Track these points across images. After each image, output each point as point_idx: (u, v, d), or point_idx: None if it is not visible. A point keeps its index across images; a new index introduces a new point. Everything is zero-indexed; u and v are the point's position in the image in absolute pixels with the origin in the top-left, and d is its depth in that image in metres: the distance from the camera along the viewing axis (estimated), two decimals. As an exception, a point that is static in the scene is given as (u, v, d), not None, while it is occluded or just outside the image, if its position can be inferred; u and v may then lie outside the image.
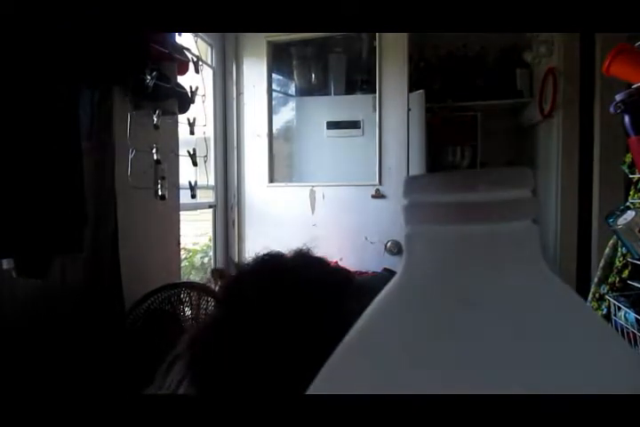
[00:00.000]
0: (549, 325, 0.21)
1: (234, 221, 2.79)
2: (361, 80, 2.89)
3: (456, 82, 3.21)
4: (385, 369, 0.21)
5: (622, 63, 1.33)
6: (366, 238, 2.61)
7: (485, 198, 0.21)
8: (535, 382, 0.19)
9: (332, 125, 2.78)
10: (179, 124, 2.04)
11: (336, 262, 2.56)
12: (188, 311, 1.67)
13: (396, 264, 2.45)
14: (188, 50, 2.06)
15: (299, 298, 0.50)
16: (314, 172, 2.81)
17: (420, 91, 2.87)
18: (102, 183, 1.52)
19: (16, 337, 1.24)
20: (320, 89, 2.95)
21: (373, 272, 2.49)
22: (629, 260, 1.47)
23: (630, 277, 1.50)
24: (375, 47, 2.61)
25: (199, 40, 2.33)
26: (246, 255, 2.75)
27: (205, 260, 3.03)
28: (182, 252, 2.33)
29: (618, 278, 1.54)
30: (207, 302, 1.67)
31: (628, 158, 1.54)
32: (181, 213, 2.09)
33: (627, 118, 1.34)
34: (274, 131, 2.83)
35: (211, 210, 2.70)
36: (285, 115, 3.04)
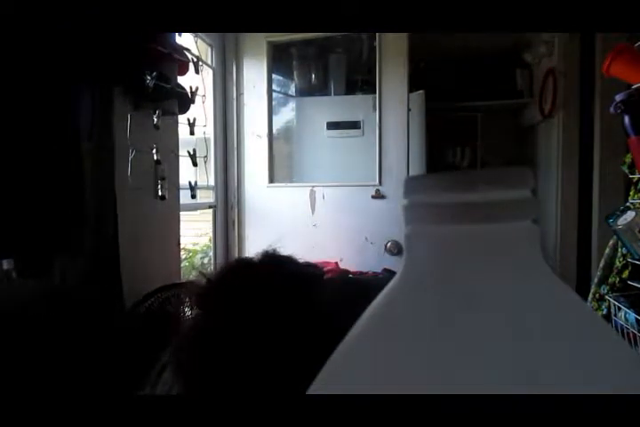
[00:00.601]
0: (549, 325, 0.21)
1: (234, 222, 2.79)
2: (361, 80, 2.89)
3: (456, 82, 3.21)
4: (385, 369, 0.21)
5: (622, 63, 1.33)
6: (366, 239, 2.61)
7: (485, 198, 0.21)
8: (535, 382, 0.19)
9: (332, 126, 2.78)
10: (179, 125, 2.04)
11: (336, 263, 2.56)
12: (188, 311, 1.67)
13: (397, 264, 2.45)
14: (188, 50, 2.06)
15: (270, 297, 0.50)
16: (314, 172, 2.81)
17: (420, 91, 2.87)
18: (102, 183, 1.51)
19: (16, 337, 1.24)
20: (320, 89, 2.95)
21: (373, 272, 2.49)
22: (629, 260, 1.47)
23: (630, 277, 1.50)
24: (375, 47, 2.61)
25: (199, 40, 2.33)
26: (246, 255, 2.75)
27: (205, 260, 3.03)
28: (182, 252, 2.33)
29: (618, 279, 1.54)
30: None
31: (628, 158, 1.55)
32: (181, 213, 2.09)
33: (627, 119, 1.34)
34: (274, 131, 2.83)
35: (211, 210, 2.70)
36: (285, 115, 3.04)
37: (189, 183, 2.07)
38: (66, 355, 1.31)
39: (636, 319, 1.31)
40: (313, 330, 0.47)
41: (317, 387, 0.23)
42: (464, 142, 3.37)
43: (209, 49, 2.65)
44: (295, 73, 2.97)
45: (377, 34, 2.57)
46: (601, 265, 1.62)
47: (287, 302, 0.50)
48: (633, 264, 1.47)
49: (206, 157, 2.22)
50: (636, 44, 1.37)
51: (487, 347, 0.20)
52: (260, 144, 2.76)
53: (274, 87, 2.84)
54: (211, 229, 2.75)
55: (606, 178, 2.16)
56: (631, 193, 1.55)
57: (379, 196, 2.58)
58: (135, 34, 1.51)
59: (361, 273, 2.48)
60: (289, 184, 2.78)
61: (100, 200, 1.51)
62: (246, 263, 0.58)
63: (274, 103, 2.83)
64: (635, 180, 1.54)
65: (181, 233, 2.10)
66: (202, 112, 2.19)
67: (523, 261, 0.22)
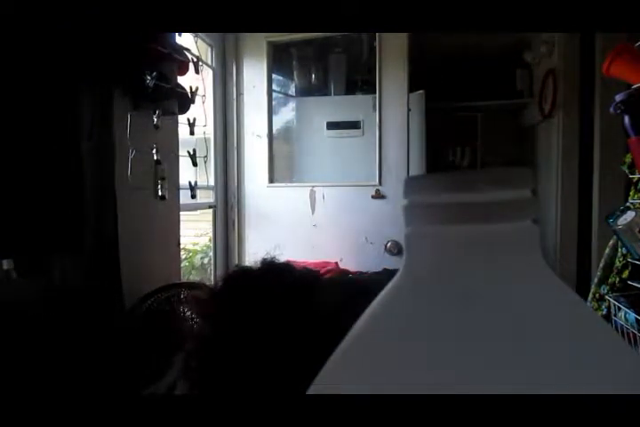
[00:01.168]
0: (549, 325, 0.21)
1: (234, 222, 2.79)
2: (361, 80, 2.89)
3: (456, 82, 3.21)
4: (385, 369, 0.21)
5: (622, 64, 1.33)
6: (366, 239, 2.61)
7: (485, 198, 0.21)
8: (535, 382, 0.19)
9: (332, 126, 2.78)
10: (179, 125, 2.04)
11: (336, 263, 2.56)
12: (188, 312, 1.67)
13: (396, 264, 2.44)
14: (188, 50, 2.06)
15: (269, 304, 0.52)
16: (314, 172, 2.81)
17: (421, 91, 2.87)
18: (102, 183, 1.52)
19: (16, 337, 1.24)
20: (320, 89, 2.95)
21: (373, 272, 2.49)
22: (629, 260, 1.47)
23: (630, 277, 1.50)
24: (375, 47, 2.61)
25: (199, 40, 2.33)
26: (246, 256, 2.75)
27: (205, 260, 3.03)
28: (182, 252, 2.33)
29: (618, 279, 1.54)
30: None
31: (628, 159, 1.54)
32: (181, 213, 2.09)
33: (626, 119, 1.34)
34: (274, 131, 2.83)
35: (211, 210, 2.70)
36: (285, 115, 3.04)
37: (189, 183, 2.07)
38: (66, 355, 1.31)
39: (636, 319, 1.31)
40: (312, 332, 0.48)
41: (317, 387, 0.23)
42: (464, 142, 3.37)
43: (209, 49, 2.65)
44: (295, 73, 2.97)
45: (377, 34, 2.57)
46: (601, 265, 1.62)
47: (286, 308, 0.52)
48: (633, 264, 1.47)
49: (206, 157, 2.22)
50: (636, 44, 1.37)
51: (487, 347, 0.20)
52: (260, 144, 2.76)
53: (274, 87, 2.84)
54: (211, 229, 2.75)
55: (606, 178, 2.16)
56: (631, 193, 1.55)
57: (379, 196, 2.58)
58: (135, 34, 1.51)
59: (361, 273, 2.47)
60: (289, 184, 2.78)
61: (100, 200, 1.51)
62: (245, 272, 0.60)
63: (274, 103, 2.83)
64: (635, 180, 1.54)
65: (181, 233, 2.11)
66: (202, 112, 2.19)
67: (523, 261, 0.22)
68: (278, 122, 2.94)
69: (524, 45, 3.03)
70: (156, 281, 1.72)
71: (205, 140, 2.31)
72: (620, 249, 1.54)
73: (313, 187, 2.68)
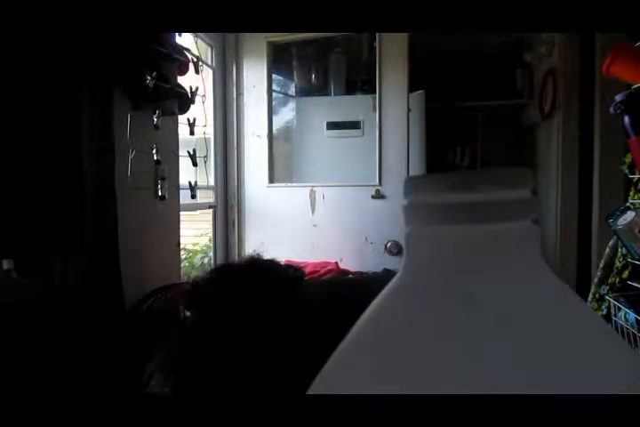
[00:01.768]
0: (549, 325, 0.21)
1: (234, 222, 2.79)
2: (361, 80, 2.89)
3: (456, 82, 3.21)
4: (385, 369, 0.21)
5: (622, 64, 1.33)
6: (366, 239, 2.61)
7: (485, 198, 0.21)
8: (535, 382, 0.19)
9: (332, 126, 2.78)
10: (179, 125, 2.04)
11: (336, 263, 2.56)
12: (188, 312, 1.67)
13: (396, 265, 2.43)
14: (188, 50, 2.06)
15: (250, 297, 0.53)
16: (314, 172, 2.81)
17: (421, 91, 2.87)
18: (102, 183, 1.51)
19: (16, 337, 1.24)
20: (320, 89, 2.95)
21: (373, 273, 2.49)
22: (629, 260, 1.47)
23: (630, 277, 1.50)
24: (375, 47, 2.61)
25: (199, 40, 2.33)
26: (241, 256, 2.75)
27: (205, 260, 3.03)
28: (182, 252, 2.33)
29: (618, 279, 1.54)
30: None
31: (628, 159, 1.55)
32: (181, 213, 2.09)
33: (627, 119, 1.34)
34: (274, 131, 2.83)
35: (211, 210, 2.70)
36: (285, 115, 3.04)
37: (189, 183, 2.07)
38: (66, 355, 1.31)
39: (636, 319, 1.31)
40: (292, 328, 0.48)
41: (317, 387, 0.23)
42: (464, 142, 3.37)
43: (209, 49, 2.65)
44: (295, 73, 2.97)
45: (377, 34, 2.57)
46: (601, 265, 1.62)
47: (266, 302, 0.52)
48: (633, 264, 1.47)
49: (206, 157, 2.22)
50: (636, 44, 1.37)
51: (487, 347, 0.20)
52: (260, 144, 2.76)
53: (274, 87, 2.84)
54: (211, 229, 2.75)
55: (606, 178, 2.16)
56: (631, 193, 1.55)
57: (379, 196, 2.58)
58: (135, 34, 1.51)
59: (361, 273, 2.48)
60: (289, 184, 2.78)
61: (100, 200, 1.51)
62: (229, 267, 0.61)
63: (274, 103, 2.83)
64: (635, 180, 1.54)
65: (181, 233, 2.10)
66: (202, 112, 2.19)
67: (523, 261, 0.22)
68: (278, 122, 2.94)
69: (524, 45, 3.03)
70: (156, 281, 1.72)
71: (205, 140, 2.31)
72: (619, 249, 1.54)
73: (313, 187, 2.68)
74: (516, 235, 0.21)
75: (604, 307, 1.54)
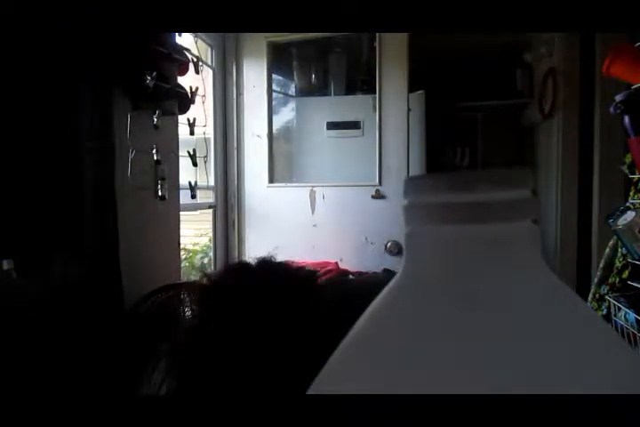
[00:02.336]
0: (549, 325, 0.21)
1: (234, 222, 2.79)
2: (361, 80, 2.89)
3: (456, 82, 3.21)
4: (385, 369, 0.21)
5: (622, 64, 1.33)
6: (366, 239, 2.61)
7: (485, 199, 0.21)
8: (535, 382, 0.19)
9: (332, 126, 2.78)
10: (179, 125, 2.04)
11: (336, 263, 2.56)
12: (188, 312, 1.67)
13: (397, 265, 2.44)
14: (187, 50, 2.06)
15: (265, 299, 0.53)
16: (314, 172, 2.81)
17: (421, 91, 2.86)
18: (102, 184, 1.51)
19: (16, 337, 1.24)
20: (320, 89, 2.95)
21: (374, 273, 2.49)
22: (629, 260, 1.47)
23: (630, 277, 1.50)
24: (375, 47, 2.61)
25: (199, 40, 2.33)
26: (246, 256, 2.75)
27: (205, 260, 3.03)
28: (182, 252, 2.33)
29: (618, 279, 1.54)
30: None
31: (628, 159, 1.55)
32: (181, 213, 2.09)
33: (627, 119, 1.34)
34: (274, 131, 2.83)
35: (211, 210, 2.70)
36: (285, 115, 3.04)
37: (189, 183, 2.07)
38: (66, 355, 1.31)
39: (636, 319, 1.31)
40: (306, 330, 0.48)
41: (318, 387, 0.23)
42: (464, 142, 3.37)
43: (209, 49, 2.65)
44: (295, 73, 2.97)
45: (377, 34, 2.57)
46: (601, 265, 1.62)
47: (281, 304, 0.52)
48: (633, 264, 1.47)
49: (206, 157, 2.22)
50: (636, 44, 1.37)
51: (487, 347, 0.20)
52: (260, 144, 2.76)
53: (274, 87, 2.84)
54: (211, 230, 2.75)
55: (606, 178, 2.16)
56: (631, 193, 1.55)
57: (379, 196, 2.58)
58: (135, 34, 1.51)
59: (361, 273, 2.47)
60: (289, 184, 2.78)
61: (100, 200, 1.51)
62: (244, 267, 0.61)
63: (274, 103, 2.83)
64: (635, 180, 1.54)
65: (181, 233, 2.11)
66: (202, 112, 2.19)
67: (523, 261, 0.22)
68: (278, 122, 2.94)
69: (524, 45, 3.03)
70: (156, 281, 1.72)
71: (205, 140, 2.31)
72: (619, 249, 1.54)
73: (313, 187, 2.68)
74: (516, 235, 0.21)
75: (604, 307, 1.54)
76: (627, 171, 1.56)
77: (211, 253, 2.80)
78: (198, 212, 2.69)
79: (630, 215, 1.34)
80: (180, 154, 2.03)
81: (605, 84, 2.04)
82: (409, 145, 2.58)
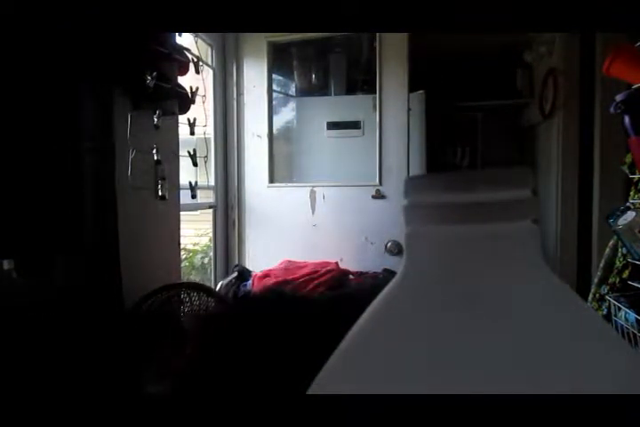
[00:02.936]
0: (549, 325, 0.21)
1: (234, 222, 2.79)
2: (361, 80, 2.89)
3: (456, 82, 3.21)
4: (385, 369, 0.21)
5: (623, 64, 1.33)
6: (366, 239, 2.61)
7: (485, 199, 0.21)
8: (535, 382, 0.19)
9: (333, 126, 2.78)
10: (179, 125, 2.04)
11: (336, 263, 2.56)
12: (188, 312, 1.67)
13: (397, 265, 2.44)
14: (188, 50, 2.06)
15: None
16: (314, 172, 2.81)
17: (421, 91, 2.86)
18: (102, 184, 1.52)
19: (16, 338, 1.24)
20: (320, 89, 2.95)
21: (374, 273, 2.49)
22: (630, 260, 1.47)
23: (630, 277, 1.50)
24: (375, 47, 2.61)
25: (199, 40, 2.33)
26: (246, 256, 2.75)
27: (206, 260, 3.03)
28: (182, 252, 2.33)
29: (618, 279, 1.54)
30: (207, 302, 1.67)
31: (629, 159, 1.54)
32: (182, 213, 2.09)
33: (627, 119, 1.34)
34: (274, 131, 2.83)
35: (211, 210, 2.70)
36: (286, 115, 3.04)
37: (189, 183, 2.07)
38: (66, 355, 1.31)
39: (637, 319, 1.31)
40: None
41: (318, 387, 0.23)
42: (464, 142, 3.37)
43: (209, 49, 2.65)
44: (295, 73, 2.97)
45: (377, 34, 2.57)
46: (601, 265, 1.62)
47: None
48: (633, 264, 1.47)
49: (206, 157, 2.22)
50: (636, 44, 1.37)
51: (487, 347, 0.20)
52: (260, 144, 2.76)
53: (274, 87, 2.84)
54: (211, 229, 2.75)
55: (606, 178, 2.16)
56: (631, 193, 1.55)
57: (379, 196, 2.58)
58: (135, 34, 1.51)
59: (361, 273, 2.48)
60: (289, 184, 2.78)
61: (100, 200, 1.51)
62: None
63: (274, 103, 2.83)
64: (635, 180, 1.54)
65: (182, 233, 2.11)
66: (202, 112, 2.19)
67: (523, 261, 0.22)
68: (278, 122, 2.94)
69: (524, 45, 3.03)
70: (156, 281, 1.72)
71: (206, 140, 2.31)
72: (620, 249, 1.54)
73: (313, 187, 2.68)
74: (516, 235, 0.21)
75: (604, 307, 1.54)
76: (627, 171, 1.56)
77: (211, 253, 2.80)
78: (198, 212, 2.69)
79: (630, 215, 1.33)
80: (181, 154, 2.03)
81: (605, 84, 2.04)
82: (409, 145, 2.58)
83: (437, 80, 3.13)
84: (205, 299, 1.67)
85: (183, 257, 2.55)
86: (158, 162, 1.79)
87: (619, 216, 1.37)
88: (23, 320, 1.29)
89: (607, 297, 1.51)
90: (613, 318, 1.42)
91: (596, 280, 1.64)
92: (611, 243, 1.59)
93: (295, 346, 0.48)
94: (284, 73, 3.01)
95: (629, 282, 1.48)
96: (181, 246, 2.16)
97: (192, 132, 2.10)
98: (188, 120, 2.07)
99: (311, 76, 2.95)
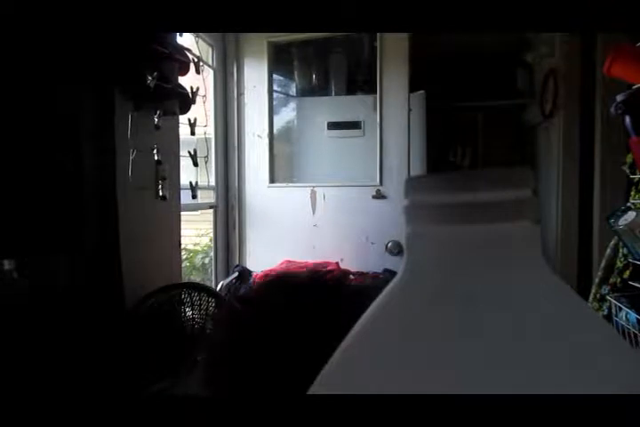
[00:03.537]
0: (550, 325, 0.21)
1: (235, 222, 2.79)
2: (362, 80, 2.89)
3: (456, 82, 3.21)
4: (386, 369, 0.21)
5: (623, 64, 1.33)
6: (367, 239, 2.61)
7: (485, 199, 0.21)
8: (535, 382, 0.19)
9: (333, 126, 2.78)
10: (179, 125, 2.04)
11: (336, 263, 2.56)
12: (189, 312, 1.67)
13: (397, 265, 2.44)
14: (188, 50, 2.06)
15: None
16: (314, 172, 2.81)
17: (421, 91, 2.86)
18: (103, 184, 1.52)
19: (16, 338, 1.24)
20: (321, 89, 2.95)
21: (374, 273, 2.49)
22: (630, 260, 1.47)
23: (631, 277, 1.50)
24: (375, 47, 2.61)
25: (200, 41, 2.33)
26: (247, 256, 2.75)
27: (206, 260, 3.03)
28: (183, 252, 2.33)
29: (619, 279, 1.54)
30: (208, 302, 1.67)
31: (629, 159, 1.54)
32: (182, 213, 2.09)
33: (627, 119, 1.34)
34: (274, 131, 2.83)
35: (211, 210, 2.70)
36: (286, 115, 3.03)
37: (190, 183, 2.07)
38: (66, 355, 1.32)
39: (637, 319, 1.31)
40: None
41: (318, 387, 0.23)
42: (464, 142, 3.37)
43: (210, 49, 2.65)
44: (296, 73, 2.97)
45: (377, 34, 2.57)
46: (602, 265, 1.62)
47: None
48: (634, 264, 1.47)
49: (207, 157, 2.22)
50: (637, 44, 1.37)
51: (487, 347, 0.20)
52: (260, 144, 2.76)
53: (274, 87, 2.84)
54: (211, 230, 2.75)
55: (607, 178, 2.16)
56: (632, 193, 1.55)
57: (379, 196, 2.58)
58: (136, 34, 1.51)
59: (361, 273, 2.47)
60: (289, 184, 2.78)
61: (100, 200, 1.51)
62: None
63: (274, 103, 2.83)
64: (635, 180, 1.54)
65: (182, 233, 2.11)
66: (202, 112, 2.19)
67: (523, 261, 0.22)
68: (279, 122, 2.94)
69: (524, 45, 3.03)
70: (156, 281, 1.72)
71: (206, 140, 2.31)
72: (620, 249, 1.54)
73: (314, 187, 2.68)
74: (516, 235, 0.21)
75: (604, 307, 1.54)
76: (627, 171, 1.56)
77: (211, 254, 2.80)
78: (199, 212, 2.69)
79: (631, 215, 1.33)
80: (181, 154, 2.04)
81: (606, 84, 2.04)
82: (409, 145, 2.57)
83: (437, 80, 3.13)
84: (206, 299, 1.67)
85: (184, 257, 2.55)
86: (159, 162, 1.79)
87: (619, 216, 1.37)
88: (23, 320, 1.30)
89: (608, 297, 1.51)
90: (614, 318, 1.42)
91: (596, 280, 1.64)
92: (611, 243, 1.59)
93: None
94: (284, 73, 3.01)
95: (630, 282, 1.48)
96: (182, 246, 2.17)
97: (192, 133, 2.10)
98: (189, 120, 2.07)
99: (311, 76, 2.95)
